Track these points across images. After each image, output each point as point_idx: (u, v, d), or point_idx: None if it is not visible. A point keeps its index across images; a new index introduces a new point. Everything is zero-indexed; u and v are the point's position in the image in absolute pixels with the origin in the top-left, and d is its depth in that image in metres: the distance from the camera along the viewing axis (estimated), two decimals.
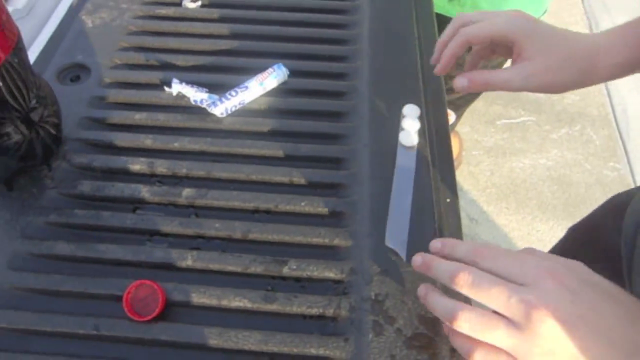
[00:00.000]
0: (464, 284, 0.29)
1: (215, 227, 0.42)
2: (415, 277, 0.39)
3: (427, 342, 0.35)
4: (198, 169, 0.46)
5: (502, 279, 0.28)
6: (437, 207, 0.44)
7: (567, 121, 1.60)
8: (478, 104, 1.61)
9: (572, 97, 1.67)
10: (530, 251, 0.31)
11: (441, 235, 0.42)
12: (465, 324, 0.28)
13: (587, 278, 0.28)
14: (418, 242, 0.40)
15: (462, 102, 1.13)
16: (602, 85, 1.67)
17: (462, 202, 1.43)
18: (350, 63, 0.56)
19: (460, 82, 0.41)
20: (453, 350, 0.36)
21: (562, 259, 0.30)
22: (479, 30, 0.41)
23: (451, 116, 1.15)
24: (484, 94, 1.33)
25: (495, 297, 0.27)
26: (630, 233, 0.47)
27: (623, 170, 1.45)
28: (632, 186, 1.39)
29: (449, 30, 0.44)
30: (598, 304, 0.27)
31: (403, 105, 0.49)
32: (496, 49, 0.44)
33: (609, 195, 0.58)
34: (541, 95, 1.66)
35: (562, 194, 1.42)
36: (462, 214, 1.39)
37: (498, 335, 0.27)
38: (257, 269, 0.40)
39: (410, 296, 0.38)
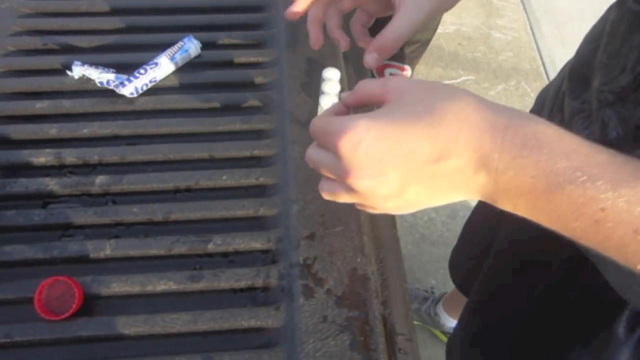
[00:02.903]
0: (324, 195, 0.32)
1: (133, 212, 0.40)
2: (342, 238, 0.38)
3: (357, 298, 0.35)
4: (111, 155, 0.43)
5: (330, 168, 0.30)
6: None
7: (503, 77, 1.65)
8: (420, 68, 1.63)
9: (506, 54, 1.72)
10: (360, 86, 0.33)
11: None
12: (326, 195, 0.32)
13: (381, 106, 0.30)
14: None
15: (414, 55, 1.14)
16: (532, 41, 1.73)
17: None
18: (266, 30, 0.54)
19: (371, 58, 0.39)
20: (384, 302, 0.37)
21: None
22: None
23: (407, 71, 1.16)
24: (424, 58, 1.34)
25: (337, 195, 0.31)
26: (536, 110, 0.50)
27: None
28: None
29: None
30: (388, 129, 0.28)
31: (323, 69, 0.48)
32: (370, 12, 0.43)
33: None
34: (478, 54, 1.71)
35: None
36: None
37: (345, 200, 0.31)
38: (181, 249, 0.38)
39: (339, 256, 0.38)
